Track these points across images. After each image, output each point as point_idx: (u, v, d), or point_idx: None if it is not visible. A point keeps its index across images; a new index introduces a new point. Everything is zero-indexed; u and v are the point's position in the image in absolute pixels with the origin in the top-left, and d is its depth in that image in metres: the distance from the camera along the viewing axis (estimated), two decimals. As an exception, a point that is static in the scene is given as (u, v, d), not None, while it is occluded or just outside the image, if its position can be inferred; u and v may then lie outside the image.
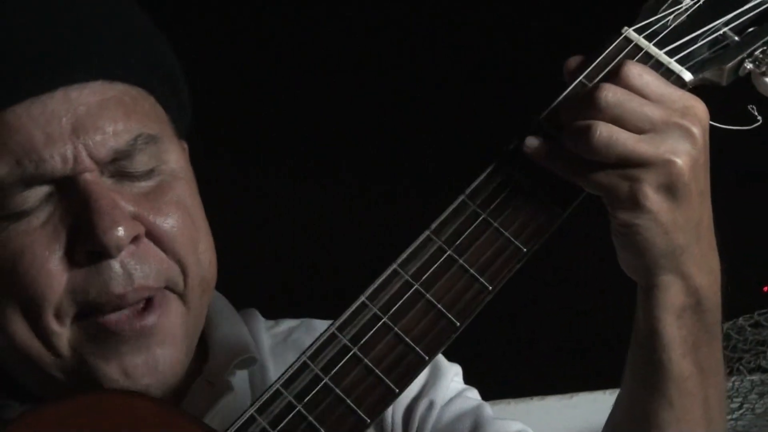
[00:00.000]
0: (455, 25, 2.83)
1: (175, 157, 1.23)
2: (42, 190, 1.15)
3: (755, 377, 1.87)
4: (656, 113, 1.08)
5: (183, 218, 1.21)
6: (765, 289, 1.85)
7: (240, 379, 1.31)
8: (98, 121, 1.15)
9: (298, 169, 2.66)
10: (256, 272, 1.38)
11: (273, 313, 1.47)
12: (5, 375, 1.28)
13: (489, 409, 1.37)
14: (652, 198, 1.07)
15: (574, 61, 1.16)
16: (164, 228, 1.19)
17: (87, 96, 1.16)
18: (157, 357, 1.18)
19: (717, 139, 1.13)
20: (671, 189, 1.07)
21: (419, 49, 2.80)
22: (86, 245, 1.14)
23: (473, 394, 1.40)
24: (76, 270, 1.15)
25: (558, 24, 2.40)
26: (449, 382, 1.38)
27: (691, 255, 1.12)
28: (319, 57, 2.74)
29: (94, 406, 1.14)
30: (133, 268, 1.16)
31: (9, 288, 1.16)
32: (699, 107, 1.09)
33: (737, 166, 2.20)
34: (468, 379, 1.44)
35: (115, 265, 1.14)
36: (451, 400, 1.36)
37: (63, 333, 1.16)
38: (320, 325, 1.35)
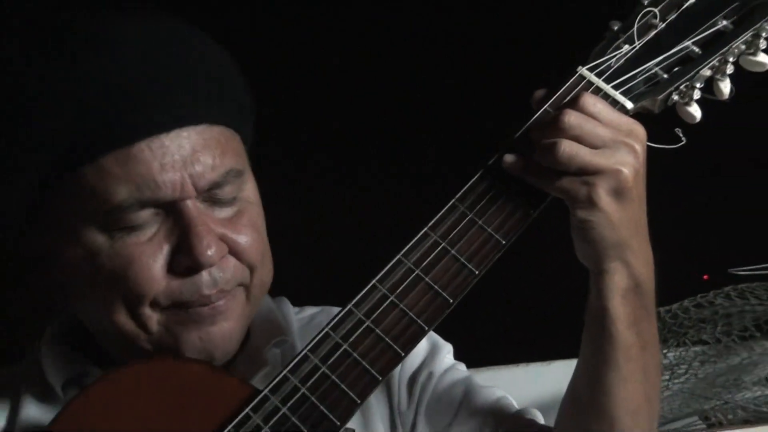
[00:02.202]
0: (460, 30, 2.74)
1: (250, 186, 1.36)
2: (151, 210, 1.27)
3: (698, 348, 1.96)
4: (607, 133, 1.20)
5: (254, 237, 1.34)
6: (705, 277, 1.92)
7: (274, 355, 1.43)
8: (201, 157, 1.27)
9: (307, 174, 2.58)
10: (284, 267, 1.50)
11: (298, 302, 1.58)
12: (92, 346, 1.41)
13: (476, 379, 1.47)
14: (604, 199, 1.19)
15: (539, 93, 1.27)
16: (241, 245, 1.32)
17: (194, 136, 1.28)
18: (224, 329, 1.31)
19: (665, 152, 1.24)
20: (619, 192, 1.19)
21: (434, 56, 2.72)
22: (185, 261, 1.27)
23: (463, 368, 1.50)
24: (173, 277, 1.28)
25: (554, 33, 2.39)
26: (444, 357, 1.49)
27: (632, 247, 1.23)
28: (320, 57, 2.65)
29: (157, 367, 1.28)
30: (217, 276, 1.30)
31: (117, 283, 1.28)
32: (640, 130, 1.22)
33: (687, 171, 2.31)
34: (460, 349, 1.54)
35: (205, 274, 1.28)
36: (446, 371, 1.46)
37: (154, 316, 1.30)
38: (336, 311, 1.38)
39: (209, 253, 1.27)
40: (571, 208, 1.22)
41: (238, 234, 1.32)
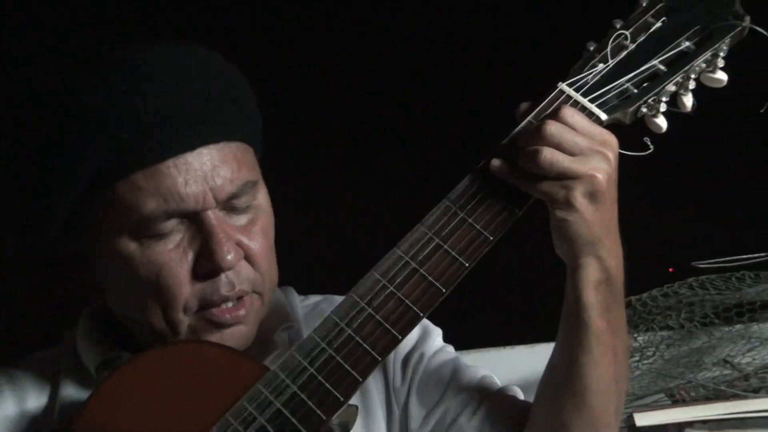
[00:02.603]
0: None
1: (262, 193, 1.37)
2: (176, 220, 1.28)
3: (664, 333, 1.95)
4: (584, 142, 1.20)
5: (265, 243, 1.35)
6: (670, 270, 1.90)
7: (282, 339, 1.42)
8: (221, 172, 1.28)
9: (313, 176, 2.56)
10: (291, 259, 1.50)
11: (304, 291, 1.56)
12: (121, 332, 1.41)
13: (463, 360, 1.47)
14: (580, 201, 1.20)
15: (524, 105, 1.27)
16: (254, 250, 1.33)
17: (214, 153, 1.29)
18: (241, 331, 1.33)
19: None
20: (593, 195, 1.20)
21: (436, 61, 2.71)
22: (207, 265, 1.29)
23: (451, 350, 1.49)
24: (197, 279, 1.30)
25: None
26: (434, 340, 1.48)
27: (604, 244, 1.24)
28: (320, 58, 2.64)
29: (179, 350, 1.29)
30: (234, 278, 1.31)
31: (150, 288, 1.29)
32: (613, 140, 1.22)
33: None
34: (450, 332, 1.53)
35: (223, 277, 1.30)
36: (436, 352, 1.46)
37: (185, 320, 1.31)
38: (338, 299, 1.34)
39: (229, 258, 1.29)
40: (551, 208, 1.22)
41: (251, 240, 1.33)
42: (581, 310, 1.25)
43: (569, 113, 1.22)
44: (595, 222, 1.22)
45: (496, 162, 1.24)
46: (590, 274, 1.24)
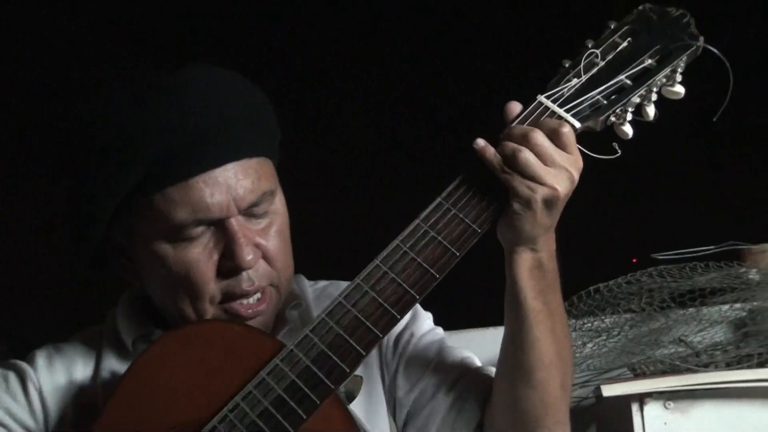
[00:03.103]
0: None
1: (279, 199, 1.37)
2: (204, 227, 1.30)
3: (628, 315, 1.95)
4: (559, 159, 1.20)
5: (280, 243, 1.35)
6: (634, 261, 1.90)
7: (292, 316, 1.42)
8: (243, 184, 1.29)
9: (324, 180, 2.68)
10: (303, 250, 1.49)
11: (313, 277, 1.54)
12: (154, 312, 1.41)
13: (450, 340, 1.45)
14: (538, 204, 1.19)
15: (516, 108, 1.25)
16: (271, 251, 1.33)
17: (237, 168, 1.29)
18: (259, 322, 1.34)
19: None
20: (549, 203, 1.19)
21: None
22: (230, 264, 1.30)
23: (440, 331, 1.47)
24: (221, 276, 1.31)
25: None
26: (424, 322, 1.46)
27: (540, 242, 1.23)
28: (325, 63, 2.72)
29: (211, 327, 1.31)
30: (253, 275, 1.32)
31: (181, 283, 1.31)
32: (581, 164, 1.22)
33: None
34: (443, 313, 1.51)
35: (244, 274, 1.31)
36: (424, 333, 1.44)
37: (210, 310, 1.32)
38: (344, 284, 1.37)
39: (249, 258, 1.30)
40: (511, 200, 1.21)
41: (268, 241, 1.34)
42: (518, 292, 1.24)
43: (566, 131, 1.21)
44: (541, 224, 1.21)
45: (480, 142, 1.23)
46: (524, 261, 1.24)
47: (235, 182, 1.29)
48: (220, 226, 1.30)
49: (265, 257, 1.34)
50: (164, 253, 1.31)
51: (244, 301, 1.33)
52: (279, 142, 1.41)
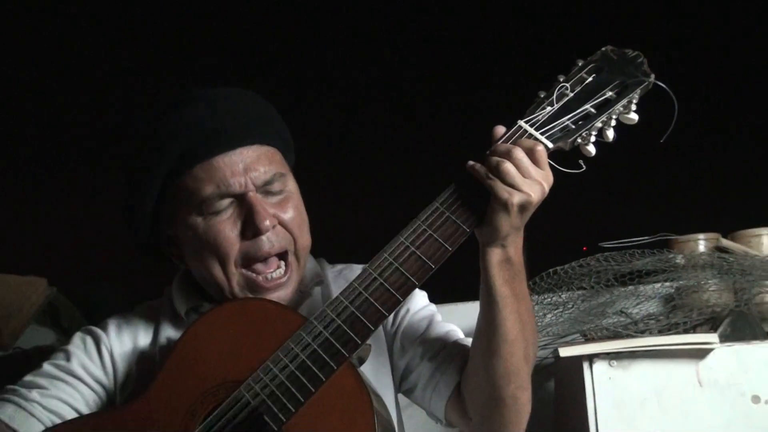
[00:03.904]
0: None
1: (291, 183, 1.36)
2: (227, 200, 1.29)
3: (580, 292, 1.93)
4: (535, 173, 1.17)
5: (296, 215, 1.33)
6: (584, 249, 1.90)
7: (316, 292, 1.40)
8: (256, 166, 1.30)
9: (341, 180, 2.67)
10: (323, 241, 1.47)
11: (332, 261, 1.50)
12: (202, 289, 1.38)
13: (439, 316, 1.42)
14: (513, 207, 1.16)
15: (500, 130, 1.23)
16: (286, 219, 1.32)
17: (250, 152, 1.30)
18: (280, 295, 1.32)
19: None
20: (523, 207, 1.17)
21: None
22: (251, 229, 1.29)
23: (432, 307, 1.44)
24: (245, 241, 1.30)
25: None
26: (419, 300, 1.43)
27: (509, 239, 1.20)
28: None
29: (248, 305, 1.29)
30: (273, 238, 1.30)
31: (211, 248, 1.30)
32: (551, 179, 1.20)
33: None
34: (436, 288, 1.45)
35: (264, 238, 1.29)
36: (419, 309, 1.41)
37: (236, 274, 1.30)
38: (358, 267, 1.42)
39: (266, 223, 1.28)
40: (492, 202, 1.18)
41: (284, 212, 1.32)
42: (489, 280, 1.21)
43: (539, 152, 1.19)
44: (513, 224, 1.19)
45: (471, 162, 1.21)
46: (495, 255, 1.21)
47: (249, 163, 1.29)
48: (241, 200, 1.29)
49: (283, 225, 1.32)
50: (196, 224, 1.30)
51: (267, 275, 1.31)
52: (293, 148, 1.41)
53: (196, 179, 1.28)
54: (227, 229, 1.29)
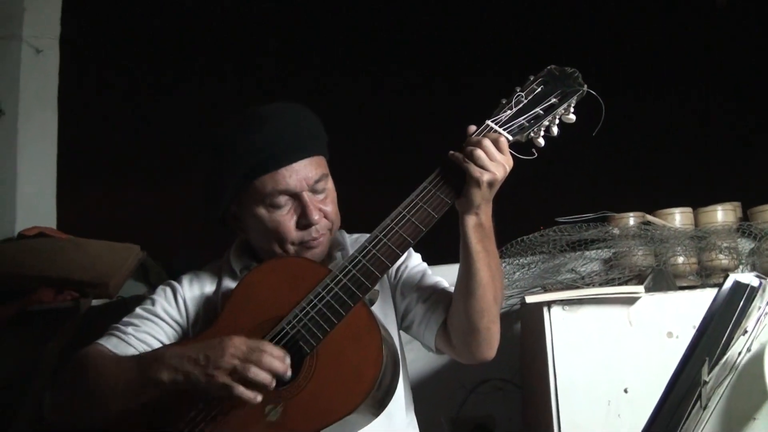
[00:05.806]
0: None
1: (330, 181, 1.37)
2: (286, 197, 1.31)
3: (540, 256, 1.94)
4: (499, 157, 1.20)
5: (333, 208, 1.36)
6: (541, 227, 1.93)
7: (338, 256, 1.41)
8: (308, 171, 1.32)
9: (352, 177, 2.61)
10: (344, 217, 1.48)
11: (350, 231, 1.47)
12: (253, 252, 1.40)
13: (430, 271, 1.42)
14: (484, 183, 1.19)
15: (472, 128, 1.25)
16: (328, 212, 1.34)
17: (306, 162, 1.32)
18: (317, 253, 1.34)
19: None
20: (491, 183, 1.20)
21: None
22: (304, 221, 1.32)
23: (425, 265, 1.43)
24: (299, 229, 1.32)
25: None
26: (415, 259, 1.44)
27: (482, 208, 1.23)
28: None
29: (287, 261, 1.32)
30: (319, 228, 1.33)
31: (273, 233, 1.32)
32: (511, 162, 1.22)
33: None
34: (428, 251, 1.46)
35: (314, 227, 1.32)
36: (415, 266, 1.41)
37: (292, 249, 1.33)
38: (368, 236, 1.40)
39: (316, 217, 1.31)
40: (467, 180, 1.21)
41: (326, 207, 1.34)
42: (466, 239, 1.24)
43: (502, 142, 1.22)
44: (483, 196, 1.22)
45: (452, 152, 1.23)
46: (470, 220, 1.24)
47: (305, 170, 1.31)
48: (296, 198, 1.31)
49: (325, 216, 1.34)
50: (262, 215, 1.31)
51: (314, 240, 1.33)
52: (328, 144, 1.39)
53: (264, 183, 1.29)
54: (287, 221, 1.31)
